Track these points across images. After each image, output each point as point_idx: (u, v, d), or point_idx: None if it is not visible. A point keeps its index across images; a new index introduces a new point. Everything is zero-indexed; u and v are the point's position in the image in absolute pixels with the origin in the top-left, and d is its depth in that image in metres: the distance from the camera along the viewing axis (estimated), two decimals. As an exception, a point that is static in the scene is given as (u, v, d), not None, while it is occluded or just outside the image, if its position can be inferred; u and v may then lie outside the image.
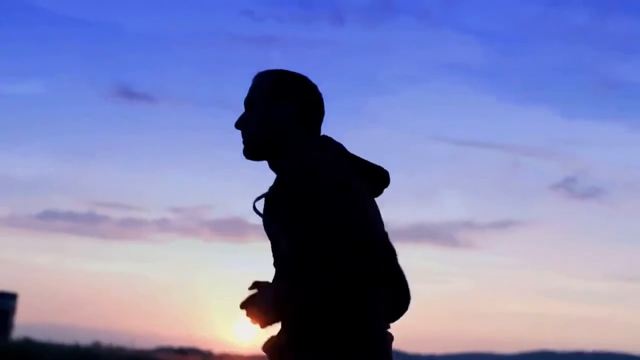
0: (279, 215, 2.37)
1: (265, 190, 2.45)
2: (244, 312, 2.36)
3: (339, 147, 2.53)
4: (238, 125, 2.59)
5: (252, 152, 2.58)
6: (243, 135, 2.59)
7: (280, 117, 2.53)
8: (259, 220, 2.50)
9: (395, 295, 2.48)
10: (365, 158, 2.54)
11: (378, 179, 2.54)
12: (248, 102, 2.60)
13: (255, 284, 2.37)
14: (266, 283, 2.38)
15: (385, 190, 2.58)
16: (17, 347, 24.10)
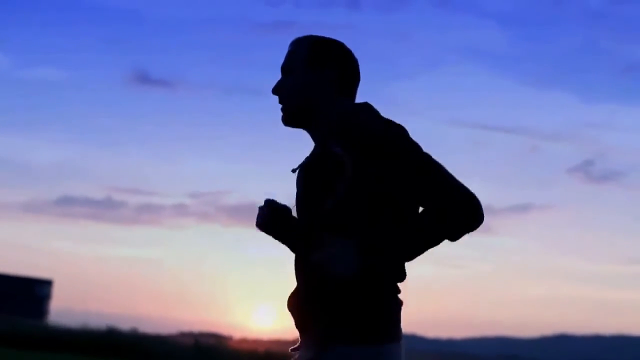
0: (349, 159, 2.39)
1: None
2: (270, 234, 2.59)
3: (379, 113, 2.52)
4: (275, 90, 2.58)
5: (290, 119, 2.57)
6: (281, 101, 2.58)
7: (319, 84, 2.53)
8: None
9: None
10: None
11: None
12: (285, 68, 2.59)
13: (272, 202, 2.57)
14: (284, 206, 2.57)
15: None
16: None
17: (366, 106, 2.52)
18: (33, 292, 36.34)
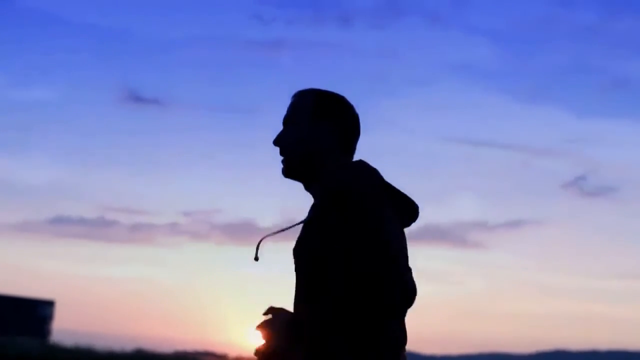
0: (328, 225, 2.36)
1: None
2: (261, 318, 2.41)
3: (375, 171, 2.47)
4: (277, 142, 2.58)
5: (291, 171, 2.57)
6: (282, 153, 2.57)
7: (322, 138, 2.53)
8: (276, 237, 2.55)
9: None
10: (397, 187, 2.50)
11: (408, 210, 2.51)
12: (288, 119, 2.59)
13: (270, 310, 2.40)
14: (281, 309, 2.39)
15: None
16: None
17: (362, 163, 2.46)
18: (35, 312, 36.33)
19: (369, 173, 2.42)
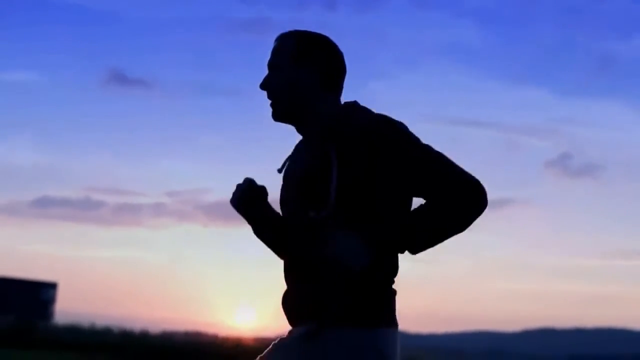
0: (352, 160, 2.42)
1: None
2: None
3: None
4: (263, 86, 2.60)
5: (280, 115, 2.60)
6: (269, 97, 2.60)
7: (307, 80, 2.55)
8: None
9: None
10: None
11: None
12: (272, 63, 2.61)
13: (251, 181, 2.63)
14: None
15: None
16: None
17: (356, 105, 2.56)
18: (38, 295, 36.42)
19: (366, 108, 2.54)
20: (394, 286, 2.49)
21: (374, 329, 2.41)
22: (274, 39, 2.63)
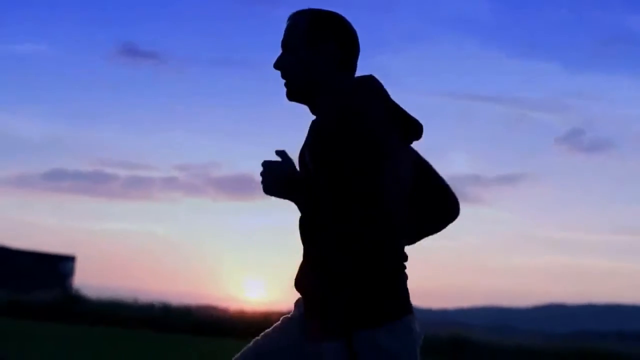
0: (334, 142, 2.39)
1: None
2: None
3: (380, 89, 2.51)
4: (277, 66, 2.59)
5: (295, 95, 2.58)
6: (283, 77, 2.59)
7: (320, 60, 2.54)
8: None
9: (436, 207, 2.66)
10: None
11: (410, 128, 2.53)
12: (285, 43, 2.59)
13: (282, 153, 2.49)
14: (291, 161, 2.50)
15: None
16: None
17: (368, 81, 2.51)
18: (56, 268, 36.35)
19: (372, 90, 2.48)
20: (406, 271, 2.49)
21: (397, 321, 2.40)
22: (287, 14, 2.60)
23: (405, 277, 2.48)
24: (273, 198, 2.46)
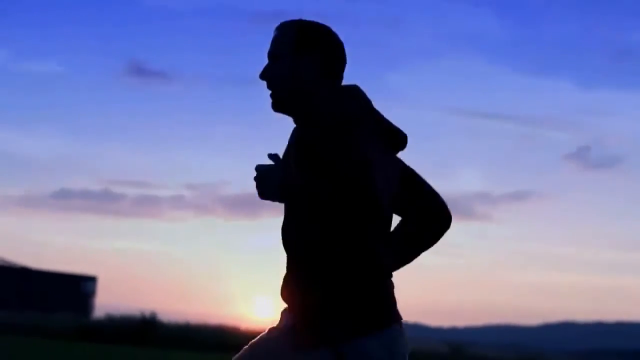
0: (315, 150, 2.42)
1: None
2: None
3: (365, 100, 2.53)
4: (263, 76, 2.58)
5: (280, 105, 2.57)
6: (269, 87, 2.58)
7: (306, 69, 2.54)
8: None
9: (426, 217, 2.61)
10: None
11: (395, 139, 2.55)
12: (272, 53, 2.59)
13: (275, 157, 2.49)
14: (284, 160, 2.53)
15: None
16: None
17: (353, 91, 2.54)
18: (78, 288, 36.85)
19: (357, 99, 2.50)
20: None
21: (386, 330, 2.44)
22: (274, 28, 2.60)
23: (392, 285, 2.51)
24: (269, 202, 2.49)
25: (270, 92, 2.58)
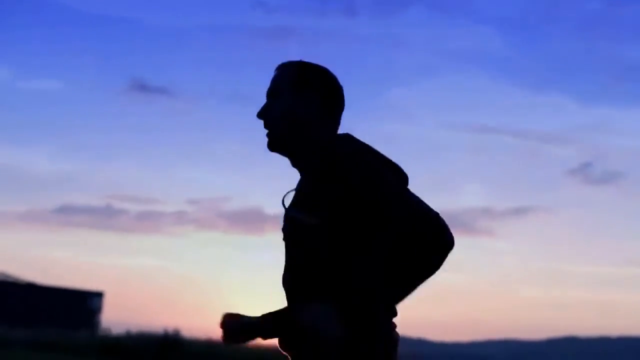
0: (322, 206, 2.34)
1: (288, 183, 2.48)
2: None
3: (363, 142, 2.46)
4: (261, 115, 2.54)
5: (276, 144, 2.53)
6: (266, 126, 2.54)
7: (305, 110, 2.50)
8: (279, 216, 2.51)
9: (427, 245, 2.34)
10: (384, 151, 2.48)
11: (399, 175, 2.46)
12: (271, 92, 2.56)
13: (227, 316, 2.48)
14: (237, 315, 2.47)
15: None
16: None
17: (350, 136, 2.47)
18: (85, 304, 36.92)
19: (356, 141, 2.44)
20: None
21: None
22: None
23: (394, 339, 2.42)
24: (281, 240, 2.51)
25: (267, 131, 2.54)
